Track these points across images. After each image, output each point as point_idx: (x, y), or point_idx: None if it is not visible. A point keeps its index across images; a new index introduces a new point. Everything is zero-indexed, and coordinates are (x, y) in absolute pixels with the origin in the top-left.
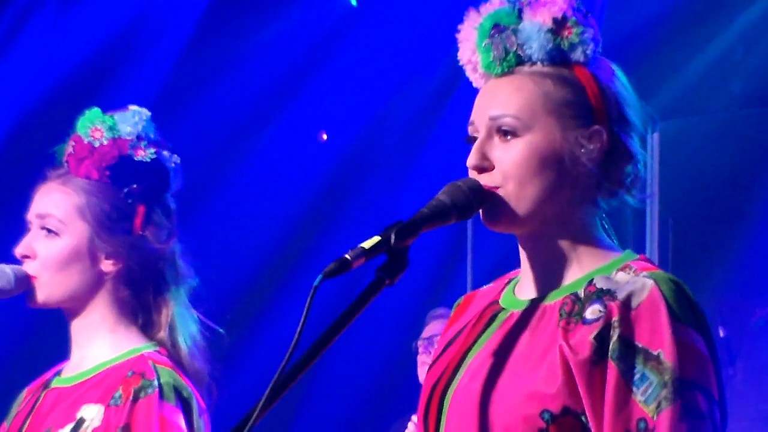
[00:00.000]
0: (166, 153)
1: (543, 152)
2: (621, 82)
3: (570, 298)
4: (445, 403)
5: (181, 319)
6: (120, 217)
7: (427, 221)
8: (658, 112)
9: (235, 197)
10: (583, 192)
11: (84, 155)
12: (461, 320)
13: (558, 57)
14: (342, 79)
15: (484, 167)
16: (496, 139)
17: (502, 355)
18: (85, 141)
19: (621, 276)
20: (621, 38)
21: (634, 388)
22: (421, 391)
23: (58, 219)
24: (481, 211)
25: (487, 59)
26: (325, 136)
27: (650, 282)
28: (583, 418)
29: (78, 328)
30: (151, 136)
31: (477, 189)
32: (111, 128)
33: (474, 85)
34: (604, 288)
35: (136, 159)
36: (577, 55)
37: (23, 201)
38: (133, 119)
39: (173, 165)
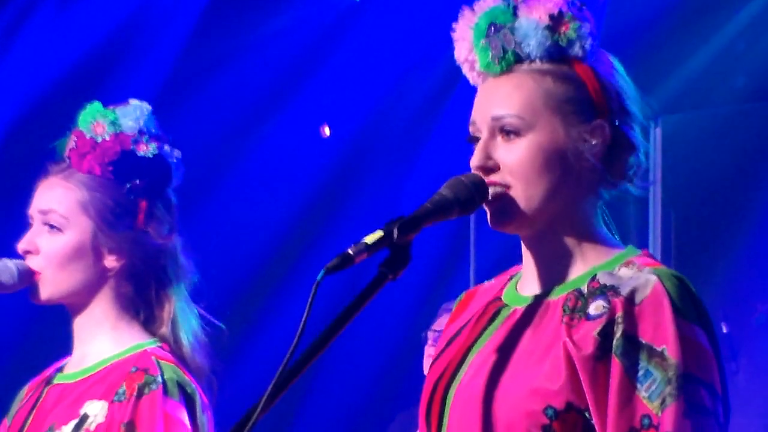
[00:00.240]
0: (167, 148)
1: (547, 150)
2: (620, 74)
3: (573, 294)
4: (447, 400)
5: (183, 315)
6: (122, 213)
7: (429, 216)
8: (660, 106)
9: (236, 192)
10: (586, 186)
11: (86, 150)
12: (463, 316)
13: (556, 53)
14: (344, 75)
15: (489, 167)
16: (499, 138)
17: (505, 351)
18: (87, 136)
19: (624, 272)
20: (624, 32)
21: (638, 385)
22: (424, 387)
23: (61, 214)
24: (489, 215)
25: (485, 58)
26: (327, 131)
27: (653, 278)
28: (586, 414)
29: (80, 324)
30: (153, 130)
31: (479, 184)
32: (113, 123)
33: (471, 83)
34: (608, 284)
35: (138, 154)
36: (576, 50)
37: (24, 196)
38: (134, 114)
39: (174, 160)
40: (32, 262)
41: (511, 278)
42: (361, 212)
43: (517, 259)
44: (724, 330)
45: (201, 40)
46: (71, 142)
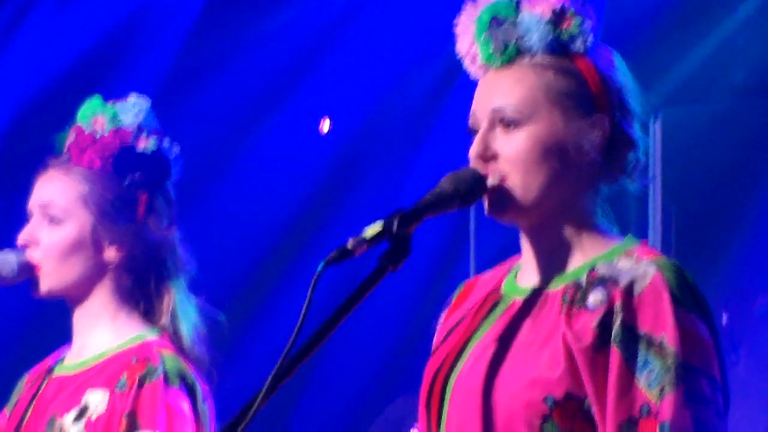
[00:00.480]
0: (166, 143)
1: (546, 142)
2: (621, 70)
3: (572, 285)
4: (447, 390)
5: (182, 306)
6: (122, 206)
7: (429, 208)
8: (660, 100)
9: (236, 185)
10: (586, 180)
11: (86, 145)
12: (463, 307)
13: (558, 48)
14: (344, 70)
15: (487, 156)
16: (499, 129)
17: (504, 341)
18: (87, 131)
19: (623, 262)
20: (625, 26)
21: (637, 374)
22: (423, 377)
23: (62, 207)
24: (486, 203)
25: (487, 52)
26: (327, 126)
27: (652, 268)
28: (586, 403)
29: (80, 315)
30: (152, 125)
31: (478, 177)
32: (113, 118)
33: (472, 77)
34: (607, 275)
35: (137, 149)
36: (577, 45)
37: (25, 190)
38: (134, 109)
39: (174, 154)
40: (32, 255)
41: (510, 269)
42: (361, 205)
43: (517, 251)
44: (725, 321)
45: (201, 37)
46: (71, 137)
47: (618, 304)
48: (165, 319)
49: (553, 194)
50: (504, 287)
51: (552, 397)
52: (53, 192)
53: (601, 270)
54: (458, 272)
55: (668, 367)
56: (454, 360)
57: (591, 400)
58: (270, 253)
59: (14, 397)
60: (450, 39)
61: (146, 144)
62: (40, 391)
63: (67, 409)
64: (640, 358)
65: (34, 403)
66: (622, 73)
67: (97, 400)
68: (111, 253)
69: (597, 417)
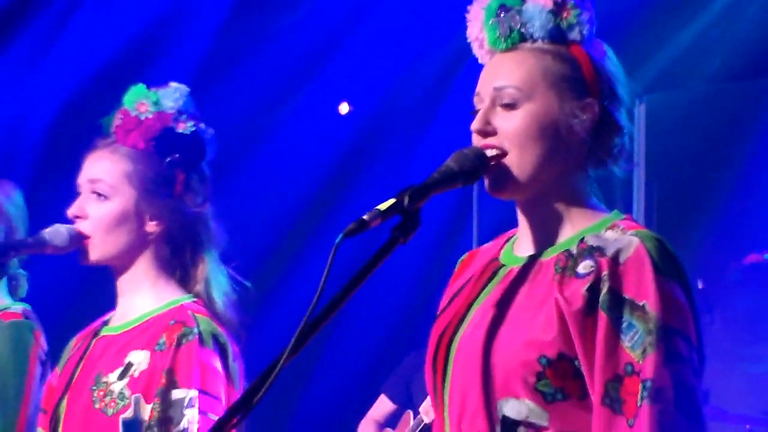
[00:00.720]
0: (203, 126)
1: (542, 121)
2: (612, 60)
3: (564, 255)
4: (451, 351)
5: (214, 275)
6: (162, 183)
7: (437, 185)
8: (644, 85)
9: (263, 164)
10: (576, 159)
11: (131, 127)
12: (465, 275)
13: (557, 36)
14: (361, 57)
15: (488, 131)
16: (499, 108)
17: (502, 306)
18: (132, 114)
19: (609, 234)
20: (609, 17)
21: (622, 336)
22: (429, 341)
23: (108, 184)
24: (486, 182)
25: (493, 36)
26: (346, 108)
27: (636, 239)
28: (576, 363)
29: (123, 282)
30: (190, 110)
31: (481, 156)
32: (155, 103)
33: (480, 61)
34: (595, 245)
35: (177, 131)
36: (575, 34)
37: (75, 168)
38: (174, 95)
39: (209, 136)
40: (81, 227)
41: (507, 240)
42: (375, 182)
43: (515, 224)
44: (700, 286)
45: (230, 30)
46: (117, 120)
47: (605, 272)
48: (199, 286)
49: (546, 170)
50: (502, 257)
51: (546, 357)
52: (101, 170)
53: (590, 241)
54: (462, 244)
55: (650, 330)
56: (457, 324)
57: (580, 360)
58: (292, 227)
59: (64, 357)
60: (458, 27)
61: (185, 127)
62: (88, 351)
63: (113, 367)
64: (625, 322)
65: (82, 362)
66: (613, 64)
67: (139, 358)
68: (152, 226)
69: (586, 375)
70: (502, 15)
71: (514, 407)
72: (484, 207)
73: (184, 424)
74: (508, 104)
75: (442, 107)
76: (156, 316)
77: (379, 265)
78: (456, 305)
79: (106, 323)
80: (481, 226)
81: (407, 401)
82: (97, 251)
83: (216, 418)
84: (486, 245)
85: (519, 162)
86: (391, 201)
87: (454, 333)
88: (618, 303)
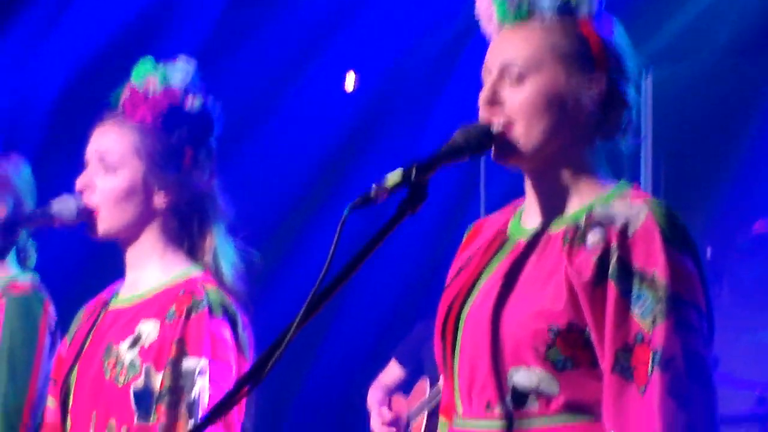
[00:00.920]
0: (210, 101)
1: (549, 93)
2: (620, 35)
3: (572, 227)
4: (460, 322)
5: (222, 246)
6: (170, 157)
7: (443, 158)
8: (651, 57)
9: (271, 138)
10: (583, 132)
11: (139, 101)
12: (473, 245)
13: (566, 11)
14: (368, 30)
15: (495, 102)
16: (507, 81)
17: (511, 277)
18: (140, 89)
19: (618, 205)
20: None
21: (632, 305)
22: (438, 312)
23: (116, 157)
24: (492, 149)
25: (503, 10)
26: (352, 79)
27: (645, 209)
28: (586, 332)
29: (132, 254)
30: (198, 86)
31: (487, 130)
32: (163, 78)
33: (488, 37)
34: (603, 216)
35: (185, 107)
36: (583, 10)
37: (82, 141)
38: (182, 70)
39: (216, 113)
40: (89, 199)
41: (515, 211)
42: (383, 155)
43: (522, 194)
44: (709, 255)
45: (236, 6)
46: (126, 94)
47: (614, 243)
48: (207, 257)
49: (552, 142)
50: (510, 229)
51: (556, 326)
52: (109, 142)
53: (598, 212)
54: (470, 213)
55: (659, 299)
56: (466, 295)
57: (591, 330)
58: (300, 200)
59: (73, 327)
60: (466, 1)
61: (192, 103)
62: (98, 322)
63: (123, 338)
64: (635, 292)
65: (92, 332)
66: (621, 39)
67: (149, 329)
68: (159, 199)
69: (596, 344)
70: None
71: (524, 376)
72: (491, 177)
73: (195, 392)
74: (515, 78)
75: (450, 82)
76: (165, 287)
77: (389, 235)
78: (464, 276)
79: (115, 295)
80: (488, 196)
81: (418, 368)
82: (105, 224)
83: (226, 386)
84: (493, 215)
85: (525, 133)
86: (399, 173)
87: (463, 304)
88: (627, 273)
